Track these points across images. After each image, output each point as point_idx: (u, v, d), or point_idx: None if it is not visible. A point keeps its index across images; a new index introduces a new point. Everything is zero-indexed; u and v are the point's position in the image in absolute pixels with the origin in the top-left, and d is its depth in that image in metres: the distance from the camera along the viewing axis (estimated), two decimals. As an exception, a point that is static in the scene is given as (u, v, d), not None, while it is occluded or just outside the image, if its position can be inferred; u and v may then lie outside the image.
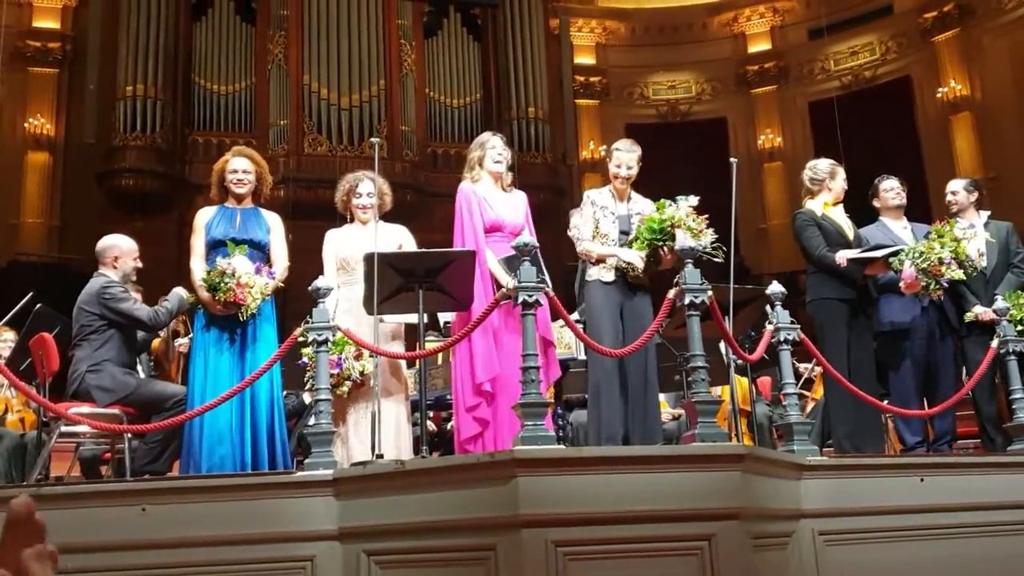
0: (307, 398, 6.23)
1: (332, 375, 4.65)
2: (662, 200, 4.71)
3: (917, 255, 5.18)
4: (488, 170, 4.94)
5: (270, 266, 5.01)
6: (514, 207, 4.93)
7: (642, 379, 4.80)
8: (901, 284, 5.28)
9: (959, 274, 5.19)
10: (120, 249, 5.21)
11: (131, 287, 5.47)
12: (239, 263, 4.78)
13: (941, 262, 5.14)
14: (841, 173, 5.73)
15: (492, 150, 4.97)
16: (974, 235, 5.50)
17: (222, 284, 4.73)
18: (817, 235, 5.54)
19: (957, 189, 6.08)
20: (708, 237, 4.49)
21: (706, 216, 4.60)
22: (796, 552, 3.91)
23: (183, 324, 6.40)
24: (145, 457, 4.82)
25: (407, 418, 5.00)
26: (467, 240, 4.78)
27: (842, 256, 5.34)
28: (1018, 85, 15.05)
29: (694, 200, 4.62)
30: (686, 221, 4.52)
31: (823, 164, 5.78)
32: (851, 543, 4.07)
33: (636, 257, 4.78)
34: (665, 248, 4.59)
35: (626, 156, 5.08)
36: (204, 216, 5.15)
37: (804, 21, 17.86)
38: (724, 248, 4.51)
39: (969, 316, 5.39)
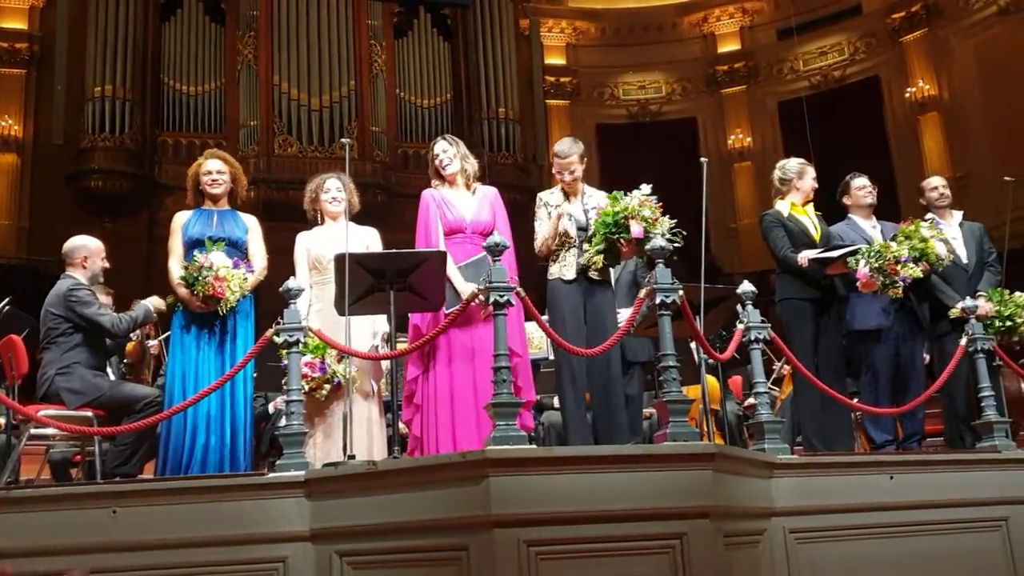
0: (271, 408, 6.20)
1: (314, 378, 4.64)
2: (614, 192, 4.67)
3: (872, 254, 5.22)
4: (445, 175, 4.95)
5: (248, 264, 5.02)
6: (477, 206, 4.91)
7: (605, 378, 4.81)
8: (857, 283, 5.31)
9: (916, 272, 5.21)
10: (88, 249, 5.17)
11: (100, 289, 5.43)
12: (216, 257, 4.80)
13: (897, 261, 5.17)
14: (810, 172, 5.77)
15: (443, 154, 4.98)
16: (941, 233, 5.55)
17: (200, 278, 4.73)
18: (782, 236, 5.59)
19: (942, 184, 6.12)
20: (664, 225, 4.46)
21: (660, 204, 4.58)
22: (768, 550, 3.94)
23: (153, 328, 6.35)
24: (116, 459, 4.79)
25: (379, 418, 4.99)
26: (424, 244, 4.79)
27: (803, 257, 5.39)
28: (985, 85, 15.23)
29: (647, 188, 4.60)
30: (640, 211, 4.48)
31: (792, 164, 5.82)
32: (822, 540, 4.11)
33: (578, 210, 4.81)
34: (622, 240, 4.55)
35: (565, 160, 5.06)
36: (181, 218, 5.15)
37: (773, 21, 17.99)
38: (683, 233, 4.48)
39: (954, 312, 5.34)
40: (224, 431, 4.84)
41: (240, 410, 4.93)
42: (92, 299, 4.99)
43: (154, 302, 5.08)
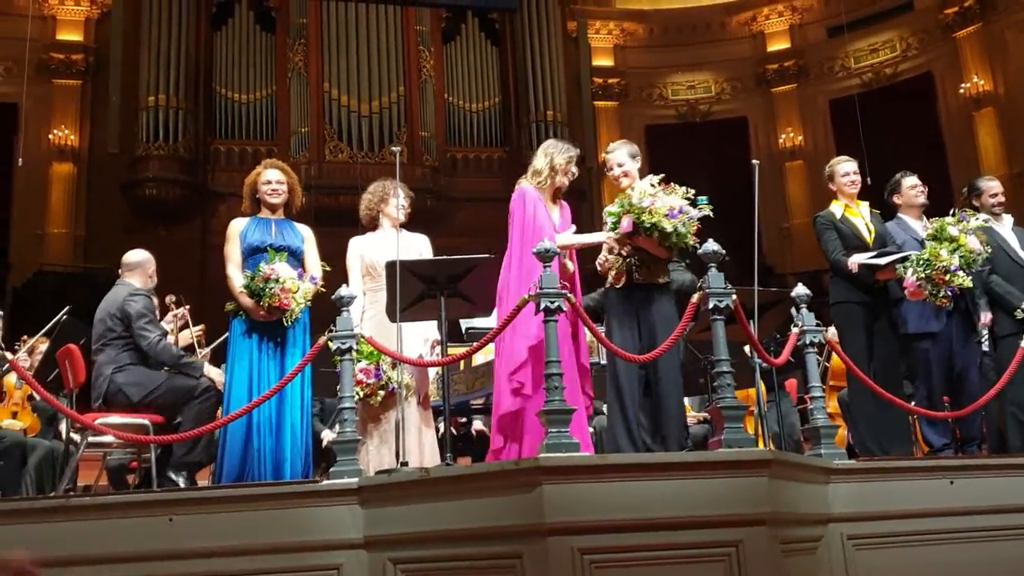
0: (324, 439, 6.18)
1: (368, 384, 4.66)
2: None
3: (921, 263, 5.11)
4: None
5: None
6: (561, 221, 4.86)
7: (660, 383, 4.75)
8: (905, 291, 5.22)
9: (967, 282, 5.10)
10: (153, 264, 5.32)
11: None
12: (282, 269, 4.84)
13: (947, 271, 5.06)
14: (840, 170, 5.64)
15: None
16: (967, 225, 5.42)
17: (267, 290, 4.77)
18: (834, 239, 5.51)
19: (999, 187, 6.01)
20: (687, 224, 4.40)
21: (693, 199, 4.50)
22: (825, 557, 3.88)
23: (203, 334, 6.36)
24: (181, 449, 4.86)
25: (430, 426, 5.00)
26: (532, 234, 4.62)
27: (853, 262, 5.31)
28: (1042, 79, 14.92)
29: (655, 179, 4.53)
30: (640, 204, 4.41)
31: (828, 165, 5.75)
32: (880, 547, 4.03)
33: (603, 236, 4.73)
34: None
35: (612, 156, 4.98)
36: (238, 225, 5.18)
37: (823, 19, 17.77)
38: (698, 224, 4.43)
39: (1020, 314, 5.18)
40: (283, 436, 4.87)
41: (297, 415, 4.95)
42: (146, 311, 5.06)
43: (216, 377, 5.10)
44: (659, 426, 4.67)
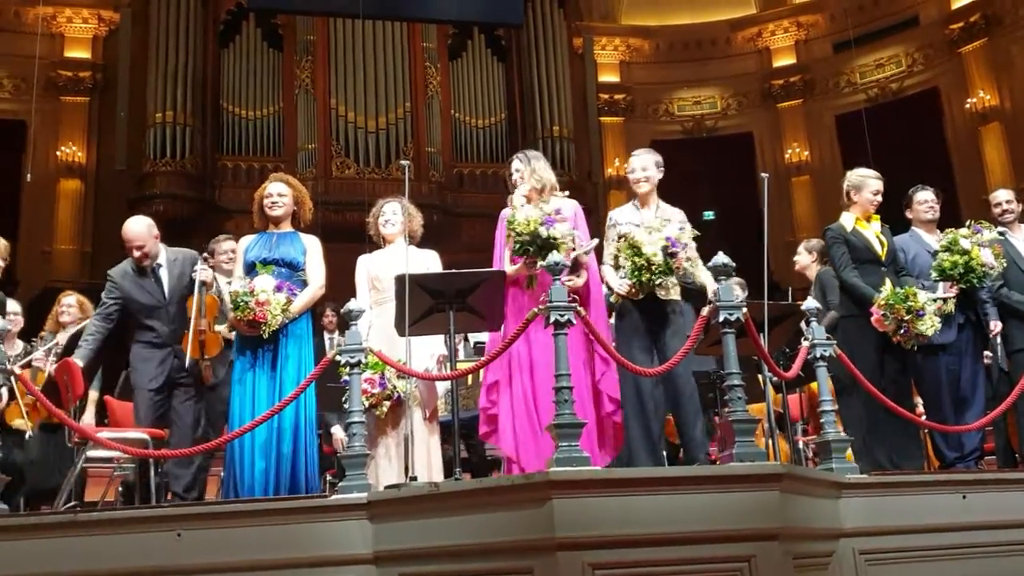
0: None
1: (373, 394, 4.65)
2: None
3: (894, 299, 5.11)
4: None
5: (305, 286, 5.04)
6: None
7: (670, 398, 4.76)
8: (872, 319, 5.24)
9: (928, 331, 5.09)
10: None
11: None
12: (260, 281, 4.84)
13: (910, 311, 5.05)
14: (870, 186, 5.61)
15: (516, 173, 4.99)
16: (981, 238, 5.41)
17: (242, 303, 4.77)
18: (843, 253, 5.50)
19: (1005, 199, 5.99)
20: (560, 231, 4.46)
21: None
22: (837, 572, 3.85)
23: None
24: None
25: (438, 440, 4.98)
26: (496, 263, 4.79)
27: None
28: (1049, 94, 14.91)
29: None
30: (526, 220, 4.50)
31: (853, 175, 5.71)
32: (893, 562, 4.00)
33: (615, 282, 4.80)
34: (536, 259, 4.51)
35: (637, 160, 5.06)
36: (244, 242, 5.24)
37: (829, 34, 17.77)
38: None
39: None
40: (281, 457, 4.83)
41: (302, 435, 4.91)
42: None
43: None
44: (681, 439, 4.68)
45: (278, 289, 4.85)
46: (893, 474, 4.67)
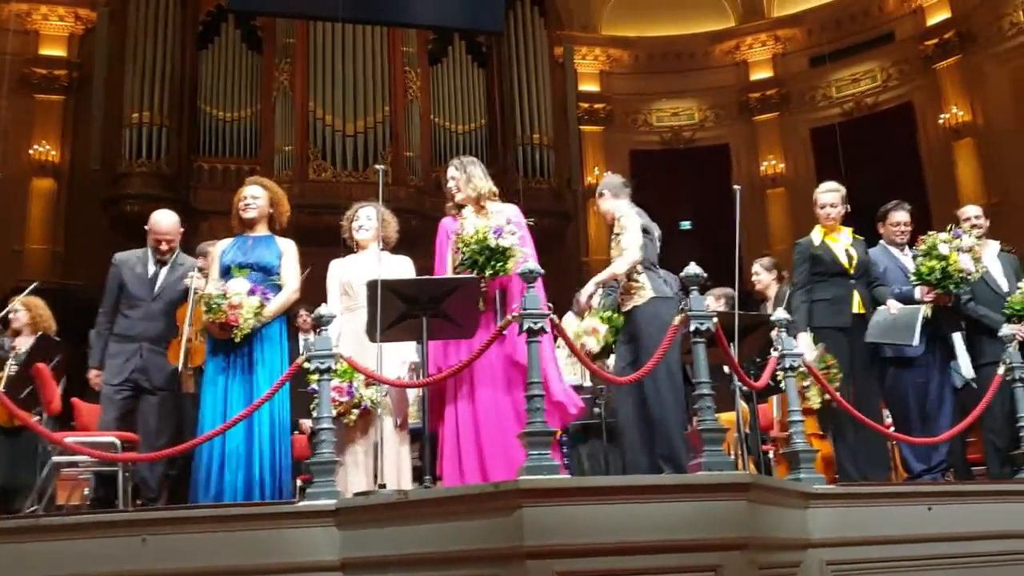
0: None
1: (341, 403, 4.62)
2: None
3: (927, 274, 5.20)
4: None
5: (279, 290, 5.02)
6: None
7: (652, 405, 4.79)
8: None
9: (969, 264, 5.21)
10: (150, 223, 5.67)
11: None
12: (233, 285, 4.80)
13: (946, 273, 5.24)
14: (819, 200, 5.68)
15: (452, 182, 5.03)
16: (960, 243, 5.47)
17: (215, 306, 4.74)
18: (803, 272, 5.58)
19: (975, 215, 6.06)
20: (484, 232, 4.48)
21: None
22: (803, 582, 3.87)
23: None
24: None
25: (407, 448, 4.97)
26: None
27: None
28: (1020, 111, 15.04)
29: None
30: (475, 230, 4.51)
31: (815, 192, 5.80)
32: (859, 572, 4.03)
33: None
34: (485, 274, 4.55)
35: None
36: (220, 245, 5.21)
37: (805, 49, 17.92)
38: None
39: (1006, 331, 5.08)
40: (251, 465, 4.77)
41: (276, 440, 4.86)
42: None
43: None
44: (658, 446, 4.70)
45: (251, 292, 4.82)
46: (860, 485, 4.71)
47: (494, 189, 4.98)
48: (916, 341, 5.29)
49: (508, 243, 4.52)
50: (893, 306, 5.42)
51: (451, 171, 5.01)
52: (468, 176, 4.93)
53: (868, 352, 5.52)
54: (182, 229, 5.68)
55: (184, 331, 5.51)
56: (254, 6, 15.48)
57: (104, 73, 15.74)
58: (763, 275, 6.83)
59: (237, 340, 4.81)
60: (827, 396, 4.91)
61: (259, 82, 16.31)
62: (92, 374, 5.45)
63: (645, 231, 5.11)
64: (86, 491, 5.78)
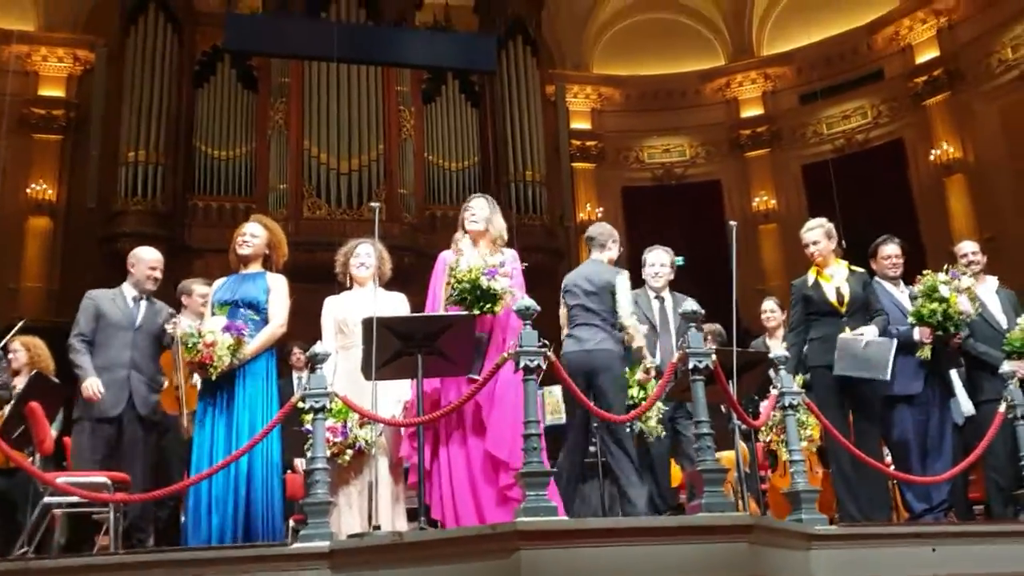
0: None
1: (336, 443, 4.56)
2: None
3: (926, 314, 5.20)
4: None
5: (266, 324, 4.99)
6: None
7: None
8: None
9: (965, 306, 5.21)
10: (136, 257, 5.81)
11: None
12: (209, 323, 4.79)
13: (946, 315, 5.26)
14: (802, 239, 5.70)
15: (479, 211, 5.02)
16: (959, 284, 5.46)
17: (191, 344, 4.74)
18: (796, 314, 5.60)
19: (972, 251, 6.04)
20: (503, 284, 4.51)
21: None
22: (806, 625, 3.81)
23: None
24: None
25: (402, 489, 4.90)
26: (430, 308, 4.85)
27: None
28: (1010, 147, 15.15)
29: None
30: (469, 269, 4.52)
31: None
32: (863, 615, 3.97)
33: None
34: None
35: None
36: (216, 284, 5.22)
37: (795, 86, 18.08)
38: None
39: (1006, 369, 5.01)
40: (238, 506, 4.69)
41: (264, 481, 4.79)
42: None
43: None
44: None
45: (226, 330, 4.78)
46: (862, 526, 4.66)
47: (505, 237, 5.00)
48: (889, 375, 5.26)
49: (500, 286, 4.51)
50: (869, 333, 5.35)
51: (478, 201, 5.02)
52: (493, 214, 4.95)
53: (867, 390, 5.46)
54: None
55: (173, 378, 5.54)
56: (250, 46, 15.57)
57: (101, 112, 15.83)
58: (778, 312, 6.80)
59: (212, 378, 4.78)
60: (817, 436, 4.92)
61: (254, 121, 16.36)
62: (89, 382, 5.33)
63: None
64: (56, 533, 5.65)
